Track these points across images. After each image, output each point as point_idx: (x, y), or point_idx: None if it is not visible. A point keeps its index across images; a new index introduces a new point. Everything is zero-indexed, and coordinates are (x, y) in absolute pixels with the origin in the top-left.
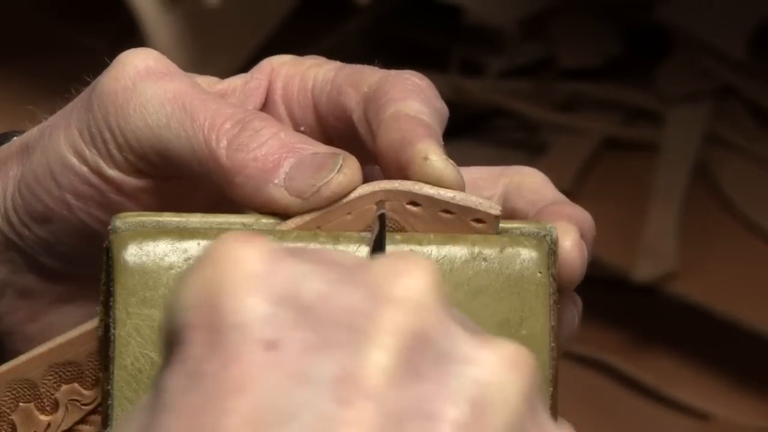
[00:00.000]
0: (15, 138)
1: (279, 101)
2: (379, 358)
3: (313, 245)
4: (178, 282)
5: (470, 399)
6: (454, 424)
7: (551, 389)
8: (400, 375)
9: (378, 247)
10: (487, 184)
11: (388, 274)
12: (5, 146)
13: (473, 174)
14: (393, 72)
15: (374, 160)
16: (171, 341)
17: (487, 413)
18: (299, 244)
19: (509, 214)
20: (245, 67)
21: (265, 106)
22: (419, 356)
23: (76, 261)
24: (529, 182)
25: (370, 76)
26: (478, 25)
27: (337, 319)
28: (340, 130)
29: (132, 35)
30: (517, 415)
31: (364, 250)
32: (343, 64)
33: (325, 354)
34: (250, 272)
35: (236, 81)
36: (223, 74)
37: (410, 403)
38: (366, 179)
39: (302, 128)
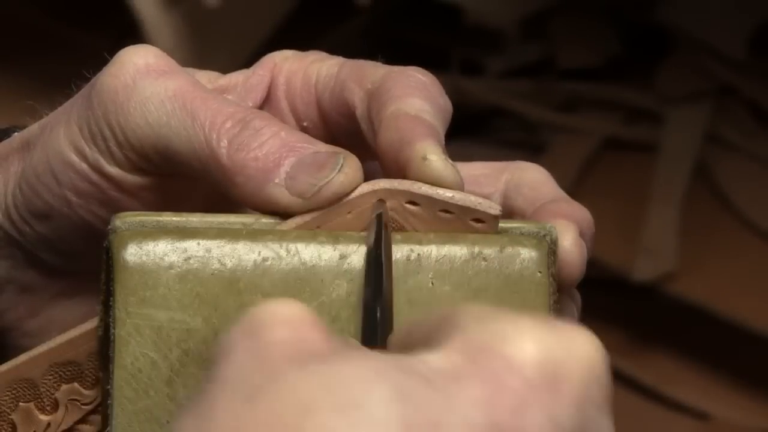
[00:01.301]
0: (16, 134)
1: (282, 97)
2: None
3: (312, 245)
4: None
5: None
6: None
7: None
8: None
9: (376, 246)
10: (489, 181)
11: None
12: (6, 142)
13: (475, 170)
14: (396, 68)
15: (376, 158)
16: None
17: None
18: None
19: (509, 211)
20: (245, 67)
21: (268, 102)
22: None
23: (76, 257)
24: (529, 179)
25: (373, 72)
26: (478, 25)
27: None
28: (344, 126)
29: (132, 35)
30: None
31: (363, 250)
32: (346, 59)
33: None
34: None
35: (238, 77)
36: (223, 74)
37: None
38: (369, 175)
39: (305, 124)
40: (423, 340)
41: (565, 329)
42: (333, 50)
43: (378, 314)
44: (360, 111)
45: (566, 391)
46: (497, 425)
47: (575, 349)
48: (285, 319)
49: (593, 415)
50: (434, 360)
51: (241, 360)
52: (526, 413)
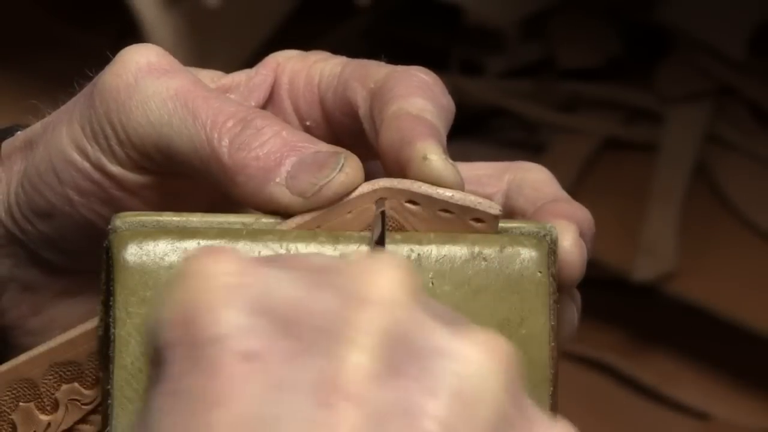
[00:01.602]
0: (19, 132)
1: (285, 96)
2: (357, 359)
3: (312, 245)
4: (158, 303)
5: (451, 392)
6: (436, 418)
7: (551, 389)
8: (380, 374)
9: (378, 246)
10: (491, 181)
11: (360, 274)
12: (9, 141)
13: (478, 170)
14: (399, 67)
15: (377, 157)
16: (154, 362)
17: (469, 404)
18: (272, 252)
19: (510, 211)
20: (245, 67)
21: (271, 102)
22: (397, 354)
23: (78, 256)
24: (531, 179)
25: (376, 71)
26: (478, 25)
27: (313, 324)
28: (347, 126)
29: (132, 35)
30: (500, 404)
31: (363, 250)
32: (350, 59)
33: (303, 360)
34: (223, 285)
35: (241, 76)
36: (225, 73)
37: (391, 402)
38: (372, 175)
39: (308, 123)
40: None
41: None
42: (333, 50)
43: None
44: (362, 110)
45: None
46: None
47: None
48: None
49: (512, 414)
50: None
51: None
52: None
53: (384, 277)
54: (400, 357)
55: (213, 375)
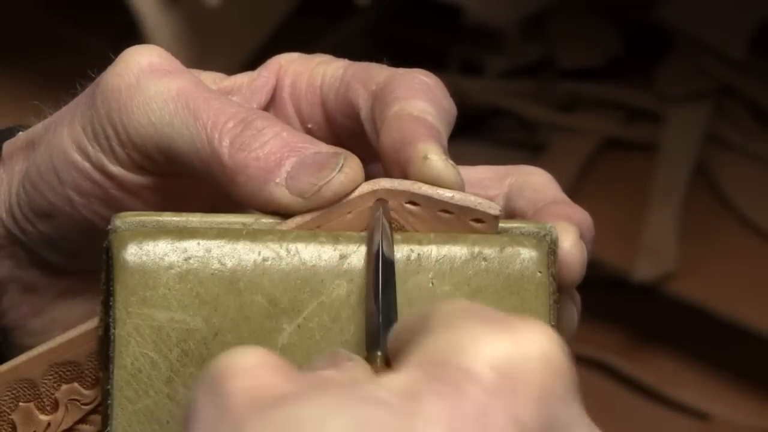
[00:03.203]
0: (20, 133)
1: (287, 98)
2: None
3: (312, 245)
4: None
5: None
6: None
7: None
8: None
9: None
10: (493, 184)
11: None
12: (11, 141)
13: (480, 173)
14: (401, 70)
15: (378, 159)
16: None
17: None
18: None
19: (511, 213)
20: (245, 67)
21: (273, 103)
22: None
23: (78, 256)
24: (532, 182)
25: (378, 73)
26: (478, 25)
27: None
28: (348, 128)
29: (132, 35)
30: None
31: (363, 250)
32: (352, 62)
33: None
34: None
35: (243, 78)
36: (225, 73)
37: None
38: (373, 177)
39: (310, 125)
40: (407, 344)
41: (517, 327)
42: (333, 50)
43: (380, 316)
44: (364, 112)
45: (525, 390)
46: None
47: (528, 346)
48: (243, 368)
49: (557, 406)
50: (393, 382)
51: (205, 415)
52: (488, 420)
53: None
54: None
55: None
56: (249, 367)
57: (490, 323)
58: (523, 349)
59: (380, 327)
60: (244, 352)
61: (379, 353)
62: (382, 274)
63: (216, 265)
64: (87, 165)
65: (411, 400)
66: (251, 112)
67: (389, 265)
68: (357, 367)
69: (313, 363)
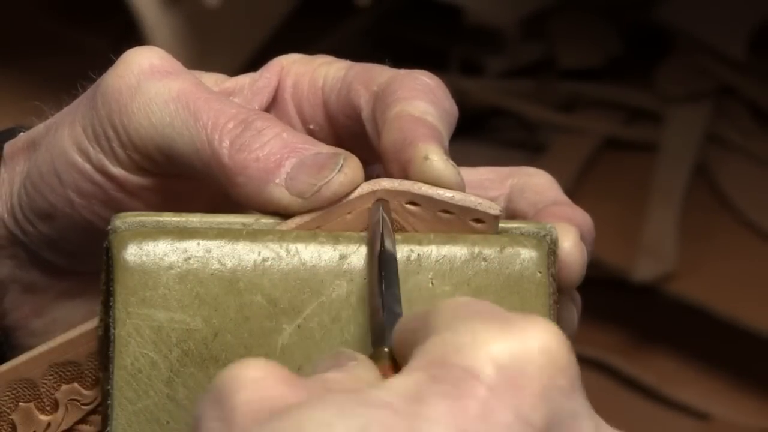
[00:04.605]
0: (21, 133)
1: (289, 99)
2: None
3: (312, 245)
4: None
5: None
6: None
7: None
8: None
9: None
10: (494, 185)
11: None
12: (12, 142)
13: (481, 174)
14: (403, 71)
15: (379, 160)
16: None
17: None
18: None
19: (512, 214)
20: (245, 67)
21: (275, 104)
22: None
23: (79, 257)
24: (533, 183)
25: (379, 74)
26: (478, 25)
27: None
28: (350, 128)
29: (132, 35)
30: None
31: (363, 250)
32: (354, 63)
33: None
34: None
35: (244, 79)
36: (225, 74)
37: None
38: (374, 178)
39: (312, 126)
40: (410, 343)
41: (518, 324)
42: (333, 50)
43: (385, 310)
44: (365, 113)
45: (528, 386)
46: None
47: (530, 342)
48: (247, 380)
49: (562, 401)
50: (397, 384)
51: (211, 429)
52: (492, 417)
53: None
54: None
55: None
56: (253, 380)
57: (492, 321)
58: (525, 346)
59: (384, 322)
60: (248, 365)
61: (386, 349)
62: (385, 268)
63: (216, 266)
64: (88, 166)
65: (415, 403)
66: (251, 113)
67: (392, 259)
68: (361, 367)
69: (316, 364)
